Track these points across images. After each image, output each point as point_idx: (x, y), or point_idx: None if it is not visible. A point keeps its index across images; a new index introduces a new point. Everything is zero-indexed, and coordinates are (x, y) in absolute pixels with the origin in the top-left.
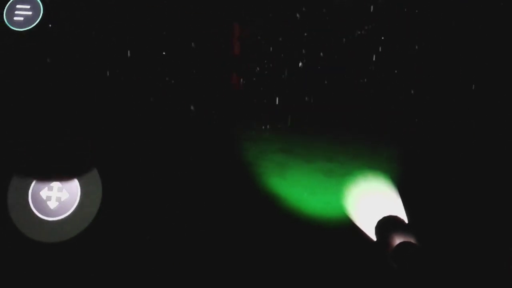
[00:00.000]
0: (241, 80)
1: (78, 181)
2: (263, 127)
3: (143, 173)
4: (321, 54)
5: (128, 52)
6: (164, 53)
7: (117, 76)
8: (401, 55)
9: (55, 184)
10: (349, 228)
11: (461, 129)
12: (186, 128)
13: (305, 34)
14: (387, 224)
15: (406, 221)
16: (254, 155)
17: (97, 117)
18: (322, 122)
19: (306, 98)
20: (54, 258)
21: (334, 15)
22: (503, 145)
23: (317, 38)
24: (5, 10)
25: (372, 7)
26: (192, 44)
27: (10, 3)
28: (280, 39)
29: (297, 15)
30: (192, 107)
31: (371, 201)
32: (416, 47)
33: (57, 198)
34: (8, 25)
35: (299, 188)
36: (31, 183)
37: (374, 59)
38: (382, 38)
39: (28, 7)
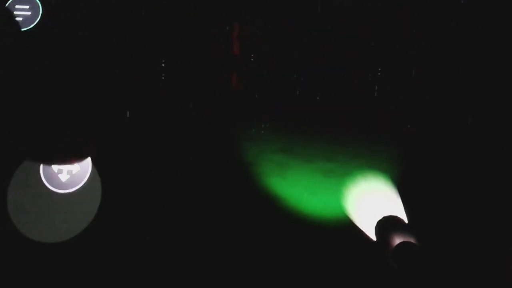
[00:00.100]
0: (241, 80)
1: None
2: (263, 127)
3: (143, 173)
4: (321, 54)
5: (128, 52)
6: (163, 60)
7: (117, 76)
8: (401, 55)
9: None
10: (349, 228)
11: (461, 129)
12: (186, 128)
13: (305, 34)
14: (387, 224)
15: (406, 221)
16: (254, 155)
17: (97, 117)
18: (322, 122)
19: (306, 98)
20: (54, 258)
21: (334, 15)
22: (503, 145)
23: (317, 38)
24: None
25: (372, 7)
26: (192, 44)
27: (9, 3)
28: (280, 39)
29: (297, 15)
30: (192, 107)
31: (371, 201)
32: (416, 47)
33: (69, 171)
34: None
35: (299, 188)
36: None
37: (374, 59)
38: (382, 38)
39: (27, 7)
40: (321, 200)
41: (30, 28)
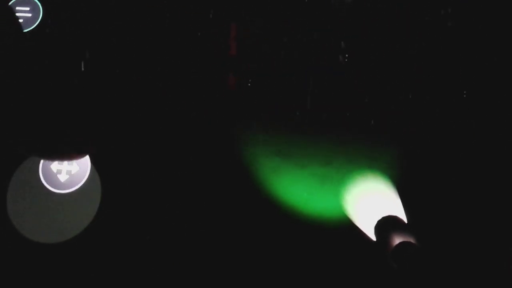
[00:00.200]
0: (239, 80)
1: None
2: (262, 128)
3: (143, 173)
4: (321, 54)
5: (128, 52)
6: (163, 60)
7: (117, 76)
8: (401, 55)
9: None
10: (348, 228)
11: (461, 129)
12: (186, 128)
13: (305, 34)
14: (386, 224)
15: (406, 221)
16: (251, 157)
17: (97, 117)
18: (321, 122)
19: (306, 98)
20: (54, 258)
21: (334, 15)
22: (503, 145)
23: (317, 38)
24: None
25: (372, 7)
26: (192, 44)
27: (10, 4)
28: (280, 39)
29: (297, 15)
30: (192, 107)
31: (370, 201)
32: (416, 47)
33: (68, 171)
34: None
35: (298, 189)
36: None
37: (374, 59)
38: (382, 38)
39: (28, 8)
40: (321, 200)
41: (31, 29)
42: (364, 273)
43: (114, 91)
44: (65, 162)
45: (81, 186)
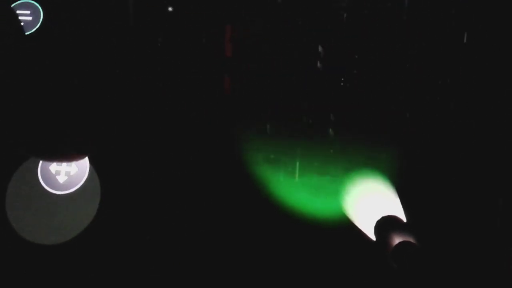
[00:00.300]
0: (234, 83)
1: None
2: (261, 128)
3: (143, 173)
4: (321, 54)
5: (128, 52)
6: (163, 61)
7: (117, 76)
8: (401, 55)
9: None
10: (347, 228)
11: (461, 129)
12: (186, 128)
13: (305, 34)
14: (386, 224)
15: (405, 220)
16: (250, 156)
17: (97, 117)
18: (321, 122)
19: (306, 98)
20: (54, 258)
21: (334, 15)
22: (503, 145)
23: (316, 38)
24: None
25: (372, 7)
26: (193, 44)
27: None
28: (280, 39)
29: (297, 15)
30: (191, 107)
31: (370, 201)
32: (416, 47)
33: (66, 173)
34: None
35: (297, 189)
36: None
37: (374, 59)
38: (382, 38)
39: (28, 12)
40: (320, 200)
41: (31, 32)
42: (364, 273)
43: (114, 91)
44: (64, 164)
45: (80, 187)
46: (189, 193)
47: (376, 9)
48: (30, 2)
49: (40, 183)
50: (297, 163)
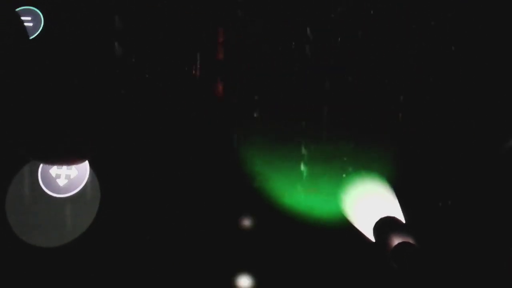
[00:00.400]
0: (227, 87)
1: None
2: (260, 128)
3: (143, 173)
4: (321, 54)
5: (128, 52)
6: (163, 60)
7: (117, 76)
8: (401, 55)
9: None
10: (346, 229)
11: (461, 129)
12: (186, 128)
13: (305, 34)
14: (385, 225)
15: (404, 221)
16: (249, 156)
17: (97, 117)
18: (320, 122)
19: (306, 98)
20: (54, 261)
21: (334, 15)
22: (503, 145)
23: (316, 38)
24: None
25: (372, 7)
26: (193, 44)
27: None
28: (280, 39)
29: (297, 15)
30: (191, 107)
31: (368, 202)
32: (416, 47)
33: (66, 176)
34: None
35: (295, 189)
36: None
37: (374, 59)
38: (382, 38)
39: (29, 18)
40: (319, 201)
41: (32, 38)
42: (363, 274)
43: (114, 92)
44: (64, 167)
45: (80, 190)
46: (189, 193)
47: (376, 9)
48: (30, 9)
49: (40, 186)
50: (296, 164)
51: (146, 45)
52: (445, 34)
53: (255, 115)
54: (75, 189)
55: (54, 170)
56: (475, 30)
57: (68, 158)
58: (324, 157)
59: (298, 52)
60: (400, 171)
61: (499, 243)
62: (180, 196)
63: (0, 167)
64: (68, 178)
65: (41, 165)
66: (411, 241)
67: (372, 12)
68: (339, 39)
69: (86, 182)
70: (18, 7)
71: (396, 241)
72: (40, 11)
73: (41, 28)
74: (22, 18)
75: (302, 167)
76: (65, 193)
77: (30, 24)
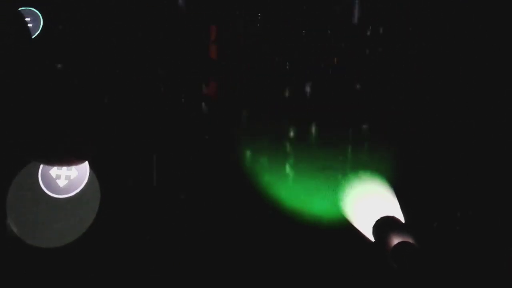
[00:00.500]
0: (221, 86)
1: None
2: (260, 128)
3: (143, 173)
4: (321, 54)
5: (128, 52)
6: (163, 60)
7: (117, 76)
8: (401, 55)
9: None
10: (346, 229)
11: (461, 129)
12: (186, 128)
13: (305, 34)
14: (384, 225)
15: (403, 221)
16: (249, 157)
17: (97, 117)
18: (319, 122)
19: (305, 98)
20: (54, 261)
21: (334, 15)
22: (503, 145)
23: (316, 38)
24: None
25: (372, 7)
26: (193, 44)
27: None
28: (280, 39)
29: (297, 15)
30: (191, 107)
31: (368, 202)
32: (416, 47)
33: (67, 176)
34: None
35: (295, 190)
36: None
37: (374, 59)
38: (382, 38)
39: (28, 19)
40: (318, 201)
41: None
42: (363, 274)
43: (114, 92)
44: (64, 168)
45: (80, 191)
46: (189, 194)
47: (376, 9)
48: (30, 9)
49: (40, 187)
50: (296, 164)
51: (146, 45)
52: (445, 34)
53: (254, 115)
54: (75, 189)
55: (54, 171)
56: (475, 30)
57: (68, 159)
58: (323, 157)
59: (298, 52)
60: (400, 171)
61: (499, 243)
62: (180, 196)
63: (1, 168)
64: (68, 179)
65: (41, 166)
66: (410, 240)
67: (372, 12)
68: (339, 39)
69: (86, 183)
70: (17, 8)
71: (395, 240)
72: (40, 12)
73: (40, 28)
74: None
75: (302, 167)
76: (65, 193)
77: (30, 25)
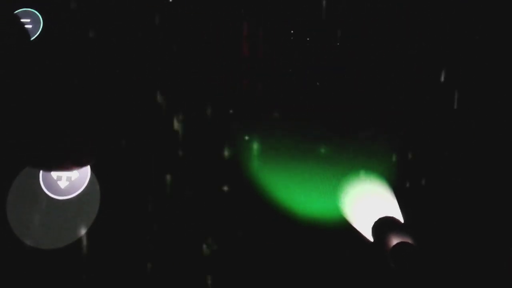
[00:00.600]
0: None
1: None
2: (259, 129)
3: (143, 174)
4: (321, 54)
5: (128, 52)
6: (163, 60)
7: (117, 76)
8: (401, 55)
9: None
10: (345, 229)
11: (460, 129)
12: (186, 128)
13: (305, 34)
14: (383, 225)
15: (403, 221)
16: (249, 157)
17: (97, 117)
18: (320, 121)
19: (305, 98)
20: (55, 263)
21: (334, 15)
22: (503, 145)
23: (316, 38)
24: None
25: (372, 7)
26: (193, 44)
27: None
28: (280, 39)
29: (297, 15)
30: (191, 107)
31: (367, 203)
32: (416, 47)
33: (67, 178)
34: None
35: (294, 190)
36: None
37: (374, 59)
38: (382, 38)
39: (28, 20)
40: (318, 202)
41: (32, 40)
42: (362, 275)
43: (114, 92)
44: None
45: (81, 192)
46: (189, 194)
47: (376, 9)
48: (30, 10)
49: (41, 188)
50: (295, 164)
51: (146, 45)
52: (445, 34)
53: (254, 115)
54: (76, 191)
55: (55, 172)
56: (475, 30)
57: (68, 166)
58: (323, 157)
59: (298, 52)
60: (399, 171)
61: (499, 243)
62: (180, 197)
63: (1, 168)
64: (69, 180)
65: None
66: (409, 241)
67: (372, 12)
68: (338, 38)
69: (87, 184)
70: (17, 9)
71: (394, 241)
72: (39, 13)
73: (40, 29)
74: (22, 20)
75: (301, 167)
76: (66, 195)
77: (30, 26)
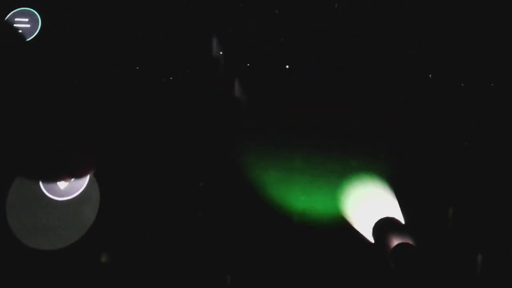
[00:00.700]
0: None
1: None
2: (259, 129)
3: (143, 175)
4: (321, 54)
5: (128, 52)
6: (163, 60)
7: (117, 76)
8: (401, 55)
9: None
10: (346, 230)
11: (460, 129)
12: (186, 128)
13: (305, 34)
14: (384, 226)
15: (403, 222)
16: (249, 159)
17: (97, 117)
18: (320, 122)
19: (305, 98)
20: (55, 263)
21: (334, 15)
22: (503, 146)
23: (316, 38)
24: None
25: (372, 7)
26: (193, 44)
27: (9, 16)
28: (280, 39)
29: (297, 15)
30: (191, 107)
31: (368, 203)
32: (416, 47)
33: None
34: None
35: (294, 191)
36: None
37: (374, 59)
38: (382, 38)
39: (27, 19)
40: (318, 202)
41: (30, 39)
42: (362, 275)
43: (114, 92)
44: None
45: (80, 193)
46: (189, 194)
47: (376, 9)
48: (28, 10)
49: (41, 189)
50: (295, 165)
51: (146, 45)
52: (445, 34)
53: (254, 115)
54: (76, 192)
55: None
56: (475, 30)
57: (68, 178)
58: (323, 158)
59: (298, 52)
60: (399, 171)
61: (499, 243)
62: (180, 197)
63: (1, 169)
64: (68, 181)
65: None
66: (410, 242)
67: (371, 12)
68: (338, 39)
69: (87, 185)
70: (15, 9)
71: (395, 242)
72: (38, 12)
73: (38, 29)
74: (19, 19)
75: (301, 167)
76: (66, 196)
77: (28, 26)
